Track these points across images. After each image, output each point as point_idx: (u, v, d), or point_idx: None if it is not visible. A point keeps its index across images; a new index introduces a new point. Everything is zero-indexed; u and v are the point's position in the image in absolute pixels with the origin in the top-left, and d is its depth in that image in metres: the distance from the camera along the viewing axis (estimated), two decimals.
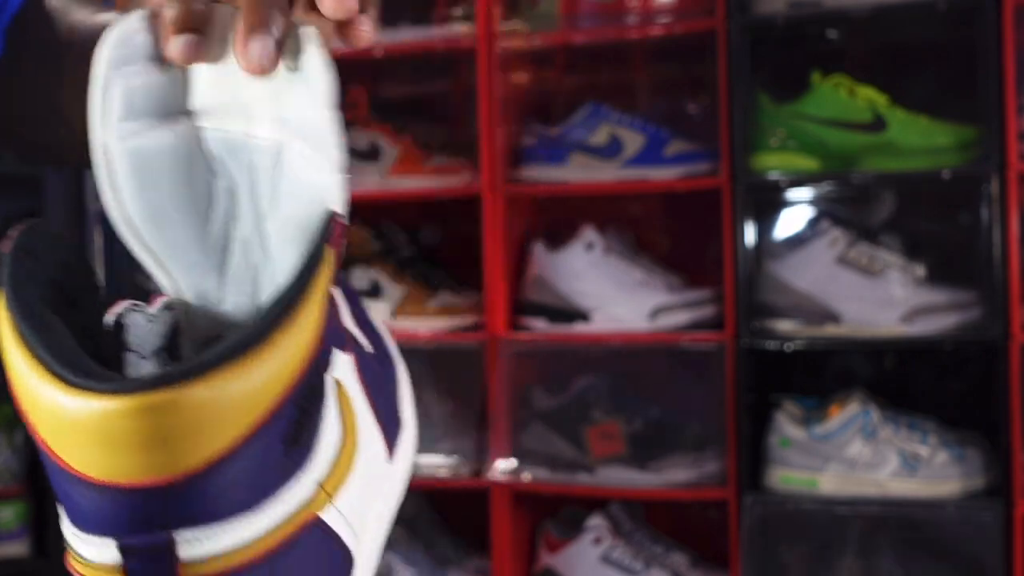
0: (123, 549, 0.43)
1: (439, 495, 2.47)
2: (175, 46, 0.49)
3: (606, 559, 2.24)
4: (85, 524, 0.43)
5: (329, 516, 0.49)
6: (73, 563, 0.45)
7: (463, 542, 2.43)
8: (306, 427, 0.46)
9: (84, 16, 0.70)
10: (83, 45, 0.65)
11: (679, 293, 2.25)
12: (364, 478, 0.52)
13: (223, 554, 0.44)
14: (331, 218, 0.47)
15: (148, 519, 0.42)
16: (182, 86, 0.50)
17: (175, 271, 0.50)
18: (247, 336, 0.42)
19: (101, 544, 0.43)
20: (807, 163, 2.13)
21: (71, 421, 0.41)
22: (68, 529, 0.45)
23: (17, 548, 2.48)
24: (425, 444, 2.34)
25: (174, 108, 0.50)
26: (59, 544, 0.51)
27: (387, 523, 0.57)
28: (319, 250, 0.46)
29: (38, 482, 2.50)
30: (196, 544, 0.43)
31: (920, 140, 2.08)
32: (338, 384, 0.50)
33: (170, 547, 0.43)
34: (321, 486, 0.47)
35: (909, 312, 2.08)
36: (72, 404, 0.41)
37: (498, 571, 2.27)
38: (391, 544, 2.35)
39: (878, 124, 2.10)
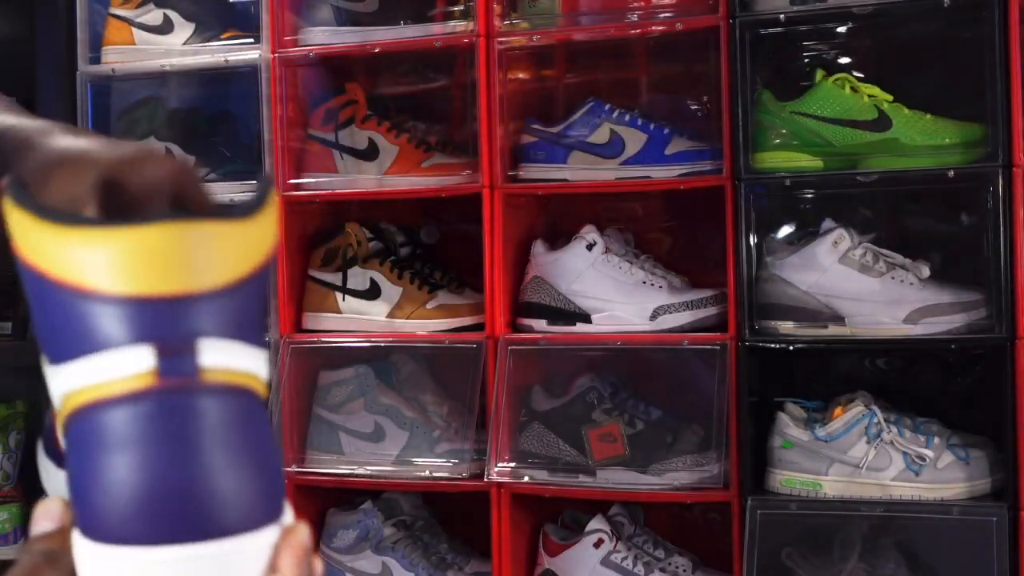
0: (159, 349, 0.51)
1: (438, 497, 2.45)
2: None
3: (607, 562, 2.21)
4: (125, 338, 0.51)
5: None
6: (101, 393, 0.51)
7: (462, 545, 2.41)
8: (265, 317, 0.58)
9: None
10: None
11: (680, 293, 2.23)
12: None
13: (226, 369, 0.53)
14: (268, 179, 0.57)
15: (178, 323, 0.51)
16: None
17: None
18: (247, 204, 0.53)
19: (138, 351, 0.51)
20: (810, 162, 2.11)
21: (117, 253, 0.50)
22: (97, 363, 0.51)
23: (11, 551, 2.46)
24: (424, 446, 2.32)
25: None
26: None
27: None
28: (267, 185, 0.56)
29: (32, 485, 2.48)
30: (211, 353, 0.52)
31: (925, 138, 2.06)
32: None
33: (195, 348, 0.52)
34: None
35: (913, 312, 2.06)
36: (117, 238, 0.50)
37: (497, 574, 2.25)
38: (390, 547, 2.33)
39: (882, 122, 2.08)
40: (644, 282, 2.24)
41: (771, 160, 2.12)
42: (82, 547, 0.52)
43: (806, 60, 2.30)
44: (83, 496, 0.52)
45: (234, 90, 2.59)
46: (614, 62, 2.50)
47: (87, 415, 0.51)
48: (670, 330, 2.19)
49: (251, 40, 2.40)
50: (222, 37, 2.46)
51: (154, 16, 2.49)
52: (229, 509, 0.52)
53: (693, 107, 2.42)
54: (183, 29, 2.49)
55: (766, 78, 2.21)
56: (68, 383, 0.52)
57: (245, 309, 0.54)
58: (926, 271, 2.09)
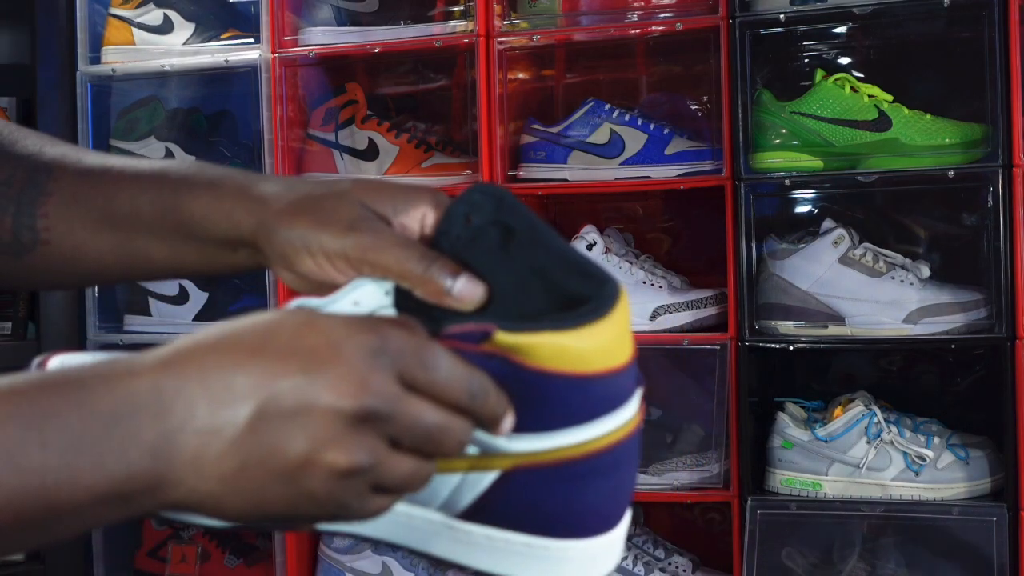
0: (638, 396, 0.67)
1: None
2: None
3: None
4: (625, 398, 0.66)
5: None
6: (611, 439, 0.65)
7: None
8: None
9: None
10: None
11: (680, 293, 2.23)
12: None
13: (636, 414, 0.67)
14: None
15: (636, 374, 0.67)
16: None
17: None
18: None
19: (632, 402, 0.66)
20: (810, 162, 2.11)
21: (610, 337, 0.64)
22: (605, 422, 0.65)
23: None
24: None
25: None
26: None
27: None
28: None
29: None
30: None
31: (925, 138, 2.06)
32: None
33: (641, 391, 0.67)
34: None
35: (913, 312, 2.06)
36: (607, 327, 0.64)
37: None
38: (390, 547, 2.32)
39: (882, 122, 2.08)
40: (644, 282, 2.24)
41: (771, 160, 2.12)
42: (571, 548, 0.66)
43: (806, 60, 2.30)
44: (575, 515, 0.66)
45: (234, 90, 2.59)
46: (614, 62, 2.50)
47: (585, 459, 0.65)
48: (670, 330, 2.19)
49: (251, 40, 2.40)
50: (222, 37, 2.46)
51: (154, 16, 2.49)
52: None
53: (693, 107, 2.42)
54: (183, 29, 2.49)
55: (766, 78, 2.21)
56: (561, 442, 0.64)
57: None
58: (926, 271, 2.09)
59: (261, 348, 0.60)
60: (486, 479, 0.65)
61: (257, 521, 0.63)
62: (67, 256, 0.81)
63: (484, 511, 0.65)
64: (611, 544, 0.68)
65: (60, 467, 0.57)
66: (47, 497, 0.57)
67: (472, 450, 0.64)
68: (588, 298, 0.65)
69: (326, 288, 0.72)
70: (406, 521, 0.67)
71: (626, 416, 0.66)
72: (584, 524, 0.66)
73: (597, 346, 0.63)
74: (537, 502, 0.65)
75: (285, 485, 0.60)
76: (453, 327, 0.63)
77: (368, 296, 0.69)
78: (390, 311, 0.69)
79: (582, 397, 0.64)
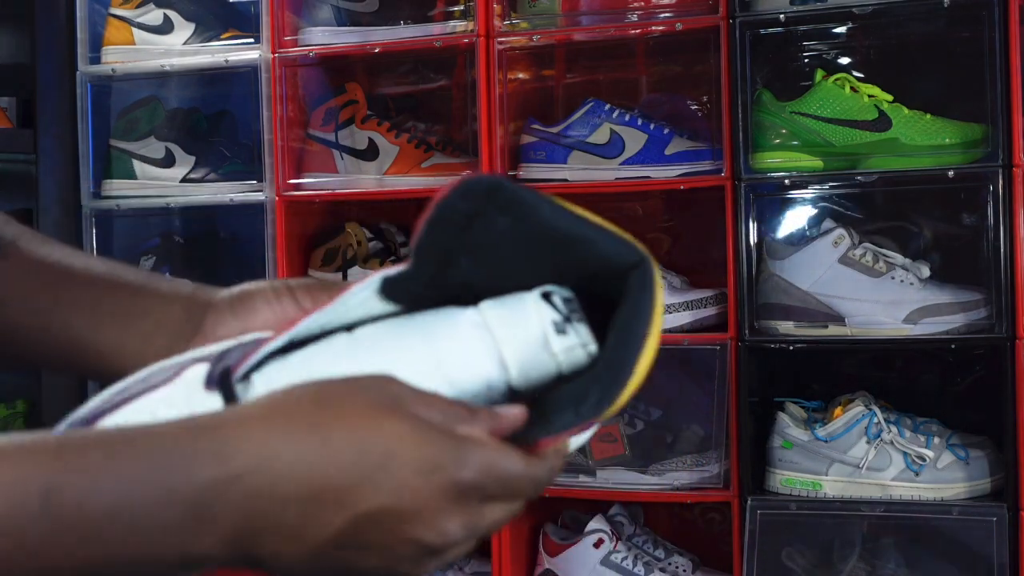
0: None
1: None
2: None
3: (607, 562, 2.22)
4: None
5: None
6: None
7: None
8: None
9: None
10: None
11: (680, 293, 2.23)
12: None
13: None
14: None
15: None
16: None
17: None
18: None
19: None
20: (810, 162, 2.11)
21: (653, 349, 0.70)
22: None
23: None
24: None
25: None
26: None
27: None
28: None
29: None
30: None
31: (925, 138, 2.06)
32: None
33: None
34: None
35: (913, 312, 2.06)
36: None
37: (497, 574, 2.25)
38: None
39: (882, 122, 2.08)
40: None
41: (771, 160, 2.12)
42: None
43: (806, 60, 2.30)
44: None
45: (234, 90, 2.59)
46: (614, 62, 2.50)
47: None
48: (670, 330, 2.19)
49: (251, 40, 2.40)
50: (222, 37, 2.46)
51: (154, 16, 2.49)
52: None
53: (693, 107, 2.42)
54: (183, 29, 2.49)
55: (766, 78, 2.21)
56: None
57: None
58: (926, 271, 2.09)
59: (352, 464, 0.61)
60: None
61: None
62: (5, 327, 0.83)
63: None
64: None
65: (133, 553, 0.58)
66: (116, 571, 0.59)
67: None
68: (622, 268, 0.70)
69: None
70: None
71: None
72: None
73: (646, 368, 0.70)
74: None
75: None
76: (544, 439, 0.69)
77: (360, 304, 0.71)
78: (380, 301, 0.72)
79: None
